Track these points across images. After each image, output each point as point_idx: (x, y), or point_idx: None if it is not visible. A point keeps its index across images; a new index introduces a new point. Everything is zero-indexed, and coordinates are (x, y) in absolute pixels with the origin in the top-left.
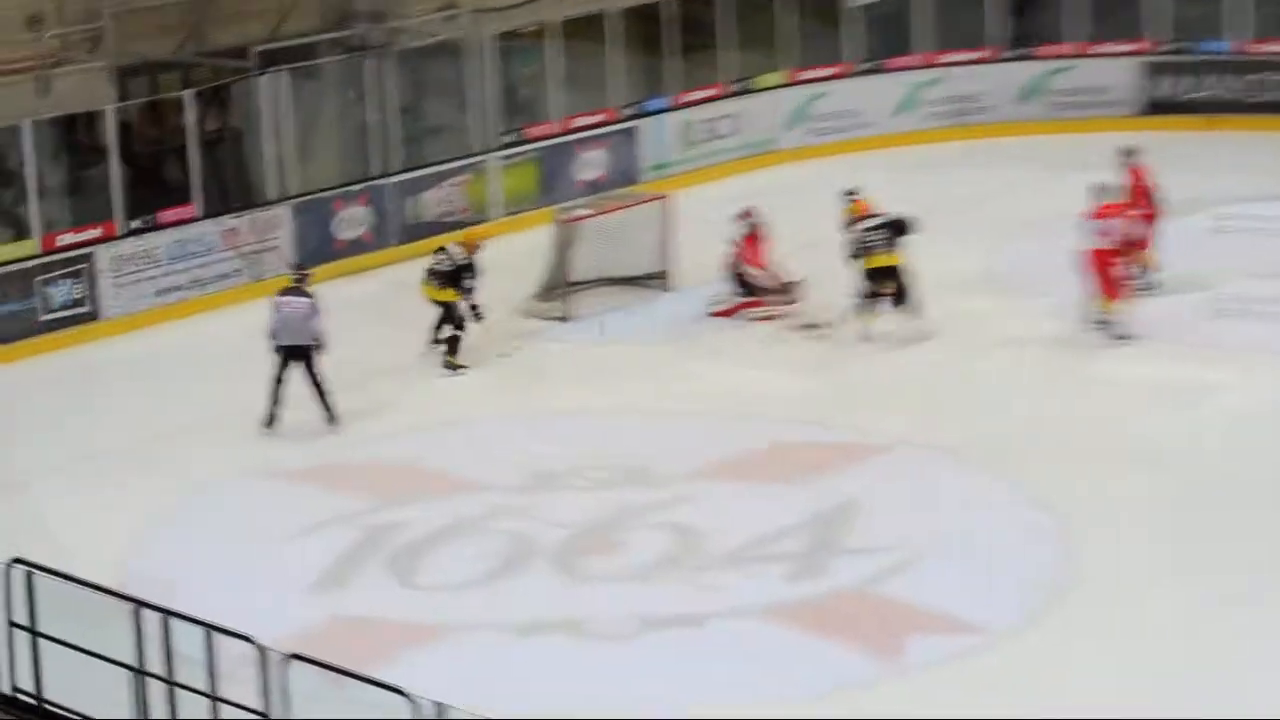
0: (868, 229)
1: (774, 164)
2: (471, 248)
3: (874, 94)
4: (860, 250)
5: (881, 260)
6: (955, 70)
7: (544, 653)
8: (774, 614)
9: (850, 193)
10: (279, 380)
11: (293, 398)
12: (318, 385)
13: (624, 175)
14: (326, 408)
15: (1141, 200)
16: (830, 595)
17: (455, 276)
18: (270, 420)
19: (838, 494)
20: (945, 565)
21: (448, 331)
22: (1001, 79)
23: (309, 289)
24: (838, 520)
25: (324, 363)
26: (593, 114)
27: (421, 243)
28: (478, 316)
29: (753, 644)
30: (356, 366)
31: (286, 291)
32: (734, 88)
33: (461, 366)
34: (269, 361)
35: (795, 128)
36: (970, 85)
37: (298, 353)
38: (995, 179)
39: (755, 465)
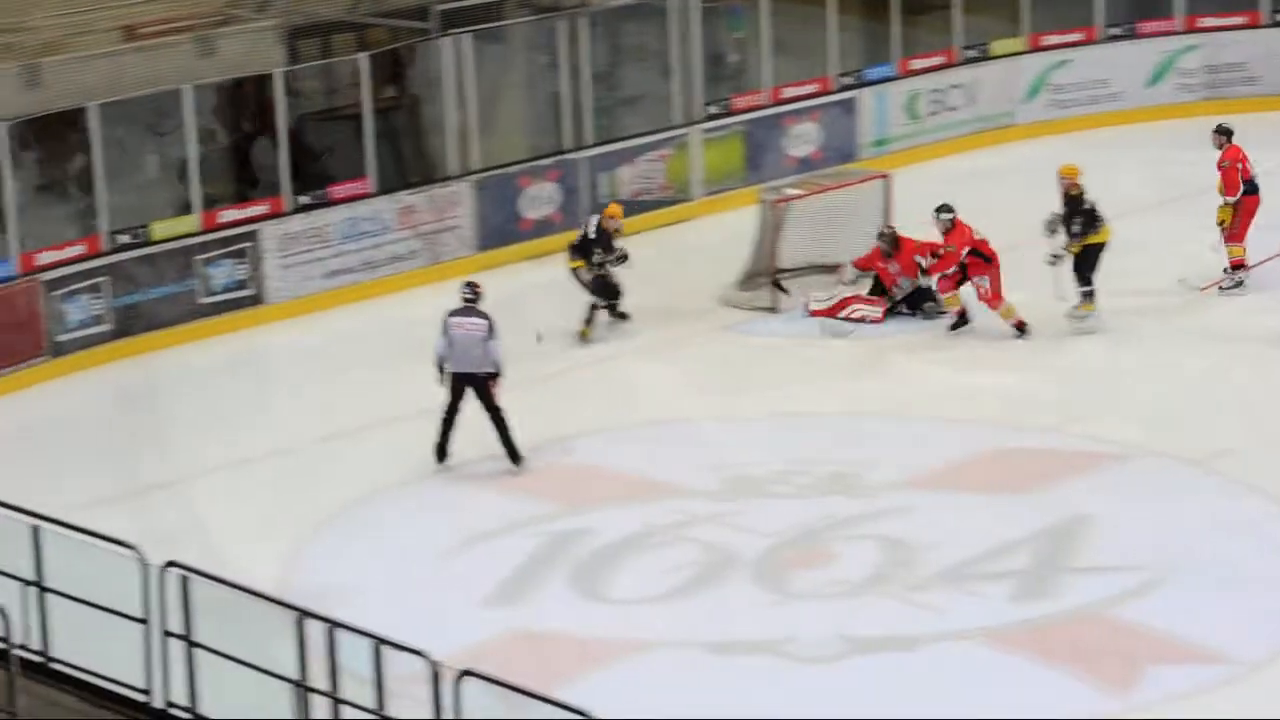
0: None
1: (1009, 140)
2: (609, 221)
3: (1124, 62)
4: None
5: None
6: (1217, 36)
7: (740, 675)
8: (995, 637)
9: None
10: (452, 411)
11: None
12: (497, 419)
13: (840, 151)
14: (508, 446)
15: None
16: (1058, 618)
17: (585, 249)
18: (441, 455)
19: (1067, 507)
20: (1188, 589)
21: (597, 302)
22: (1268, 46)
23: (483, 308)
24: (1067, 536)
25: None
26: (806, 83)
27: None
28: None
29: (971, 670)
30: (541, 359)
31: (458, 311)
32: (966, 54)
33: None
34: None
35: (1034, 100)
36: (1233, 53)
37: (472, 381)
38: (1261, 160)
39: (975, 474)
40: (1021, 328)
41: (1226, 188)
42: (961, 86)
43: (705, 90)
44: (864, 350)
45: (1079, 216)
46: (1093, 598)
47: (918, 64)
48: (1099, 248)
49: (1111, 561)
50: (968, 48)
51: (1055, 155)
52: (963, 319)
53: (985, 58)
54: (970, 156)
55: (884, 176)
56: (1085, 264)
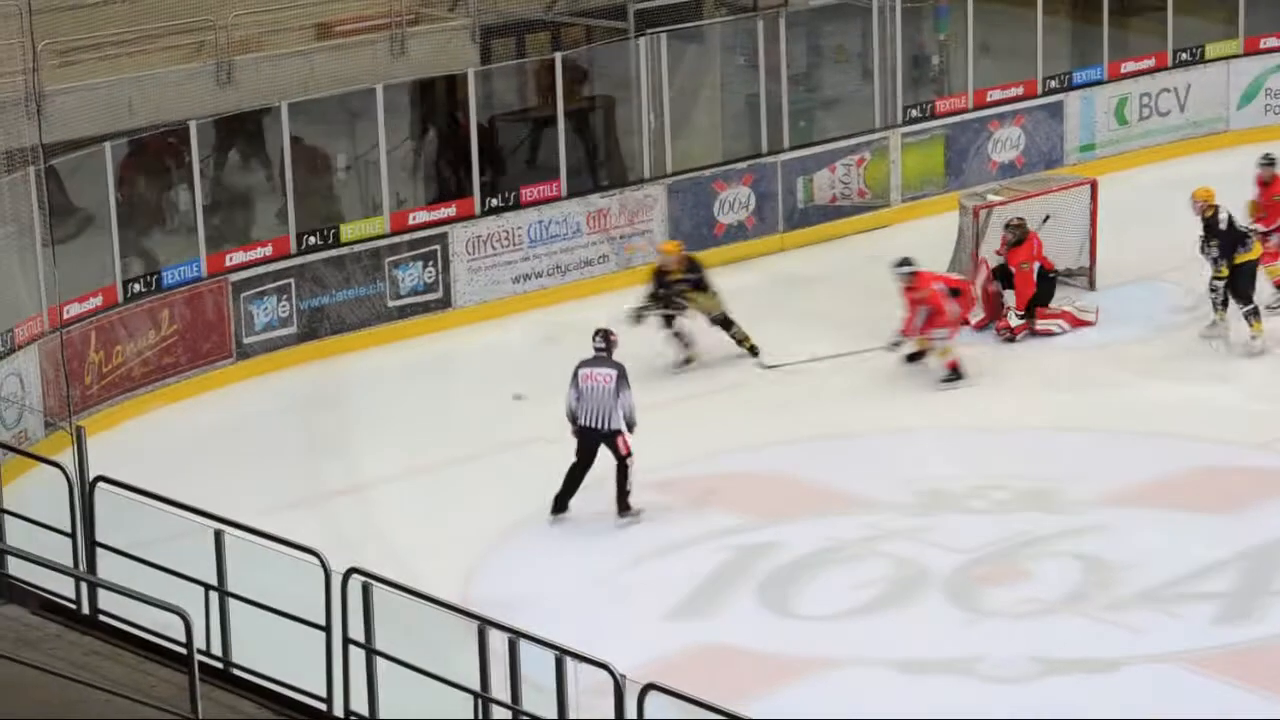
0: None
1: (1223, 147)
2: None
3: None
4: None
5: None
6: None
7: (930, 694)
8: (1199, 661)
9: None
10: (579, 468)
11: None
12: (620, 471)
13: (1045, 157)
14: (620, 498)
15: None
16: (1266, 643)
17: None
18: (559, 507)
19: (1275, 527)
20: None
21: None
22: None
23: (615, 357)
24: (1275, 557)
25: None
26: (1011, 86)
27: (811, 229)
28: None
29: (1169, 694)
30: (732, 367)
31: (588, 362)
32: (1179, 57)
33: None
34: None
35: (1249, 105)
36: None
37: (600, 437)
38: None
39: (1179, 491)
40: (955, 369)
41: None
42: (1173, 91)
43: (906, 93)
44: (1066, 361)
45: (1215, 239)
46: None
47: (1128, 67)
48: (1250, 265)
49: None
50: (1180, 50)
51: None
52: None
53: (1199, 60)
54: (1181, 163)
55: (1090, 183)
56: (1239, 284)
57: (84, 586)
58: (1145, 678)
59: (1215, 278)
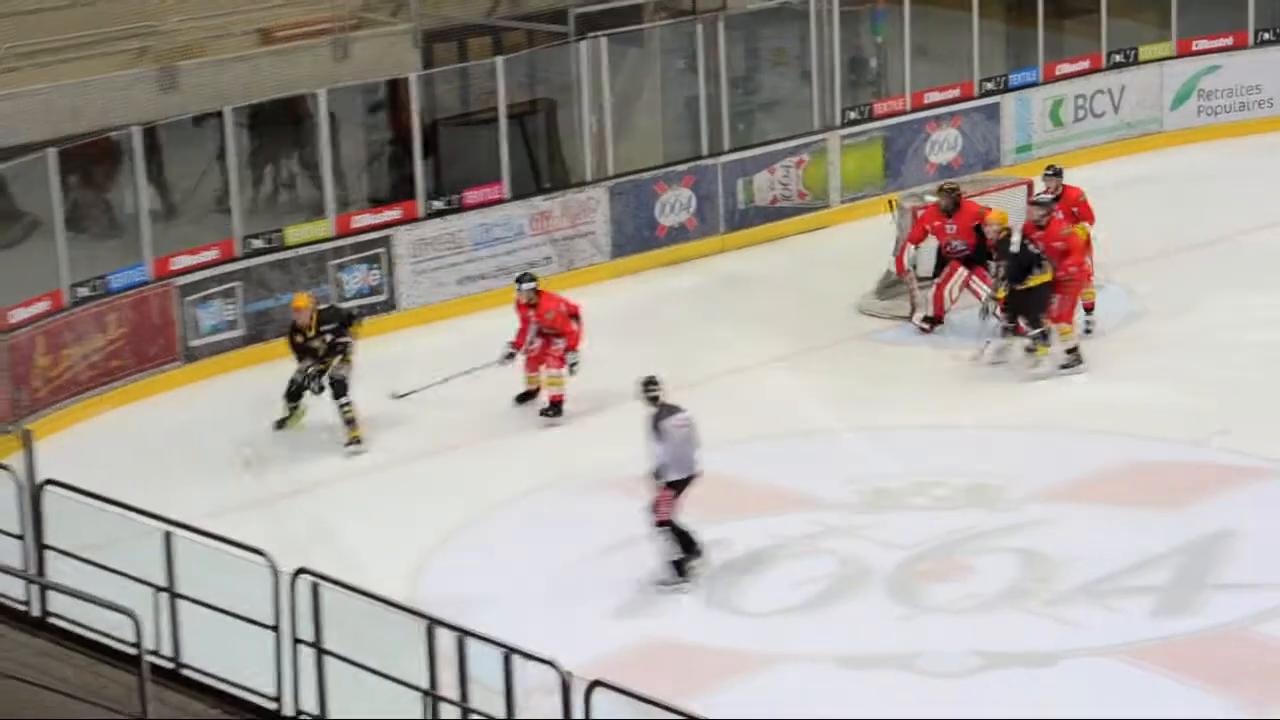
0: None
1: (1156, 148)
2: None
3: (1277, 68)
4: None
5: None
6: None
7: (873, 689)
8: (1136, 654)
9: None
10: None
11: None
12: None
13: (982, 158)
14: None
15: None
16: (1202, 636)
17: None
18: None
19: (1211, 522)
20: None
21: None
22: None
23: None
24: (1210, 552)
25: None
26: (948, 88)
27: (752, 230)
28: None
29: (1108, 687)
30: (676, 367)
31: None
32: (1113, 59)
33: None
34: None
35: (1183, 106)
36: None
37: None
38: None
39: (1117, 487)
40: (559, 405)
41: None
42: (1107, 92)
43: (844, 95)
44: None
45: (1004, 260)
46: (1236, 616)
47: (1063, 69)
48: (1043, 288)
49: (1255, 579)
50: (1114, 52)
51: (1204, 164)
52: None
53: (1133, 63)
54: (1115, 164)
55: (1026, 183)
56: (1031, 305)
57: (33, 589)
58: (1084, 671)
59: (992, 298)
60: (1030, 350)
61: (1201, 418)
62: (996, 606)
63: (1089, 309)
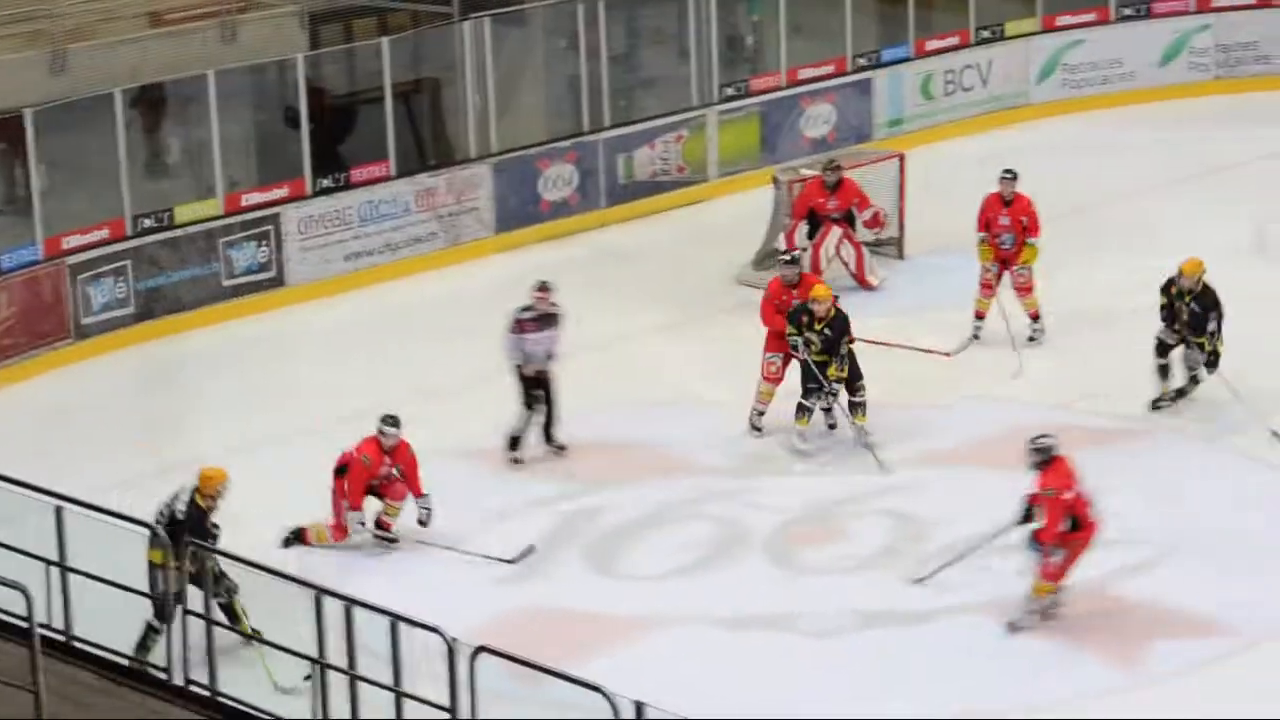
0: None
1: (1023, 120)
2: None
3: (1137, 42)
4: None
5: None
6: (1229, 16)
7: (752, 649)
8: (1005, 611)
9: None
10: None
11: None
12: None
13: (855, 132)
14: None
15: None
16: (1065, 593)
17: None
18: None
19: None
20: (1195, 564)
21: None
22: None
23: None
24: None
25: None
26: (822, 64)
27: (633, 204)
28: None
29: (978, 644)
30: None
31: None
32: (981, 35)
33: None
34: (483, 344)
35: (1048, 80)
36: (1245, 32)
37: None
38: (1271, 138)
39: (988, 450)
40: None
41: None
42: (976, 67)
43: (722, 72)
44: (882, 326)
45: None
46: (1100, 572)
47: (933, 45)
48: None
49: (1119, 537)
50: (982, 28)
51: (1068, 135)
52: None
53: (1000, 38)
54: (984, 137)
55: (898, 156)
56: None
57: None
58: (955, 628)
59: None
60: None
61: (1070, 382)
62: (871, 567)
63: (1035, 318)
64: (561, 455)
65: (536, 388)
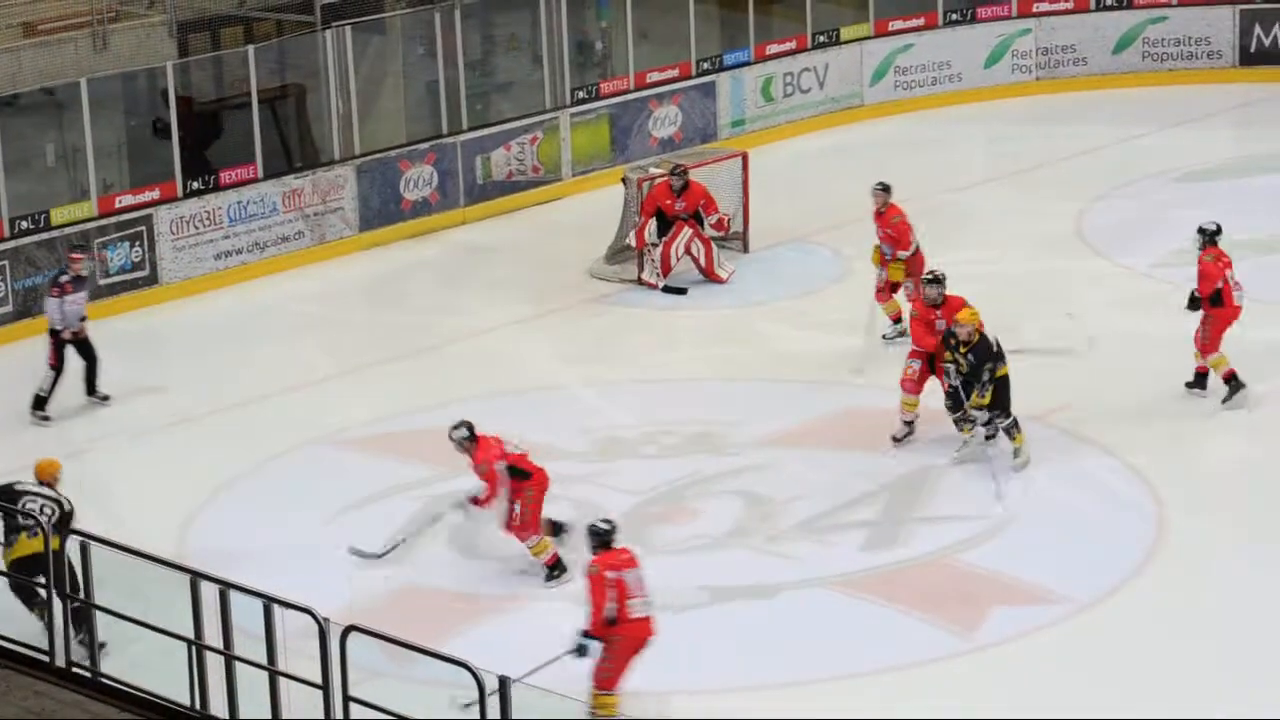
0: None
1: (858, 120)
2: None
3: (964, 45)
4: None
5: None
6: (1049, 20)
7: None
8: (848, 584)
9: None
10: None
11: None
12: None
13: (701, 132)
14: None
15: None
16: (907, 565)
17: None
18: None
19: (914, 461)
20: (1028, 536)
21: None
22: (1096, 29)
23: None
24: (916, 488)
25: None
26: (668, 68)
27: (491, 203)
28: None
29: (825, 615)
30: (423, 332)
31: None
32: (818, 40)
33: None
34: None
35: (881, 82)
36: (1064, 36)
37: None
38: (1088, 134)
39: (829, 431)
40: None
41: (900, 243)
42: (813, 70)
43: (573, 76)
44: (730, 316)
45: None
46: (938, 545)
47: (772, 49)
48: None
49: (956, 511)
50: (819, 33)
51: (901, 133)
52: None
53: (835, 43)
54: (821, 135)
55: (741, 155)
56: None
57: None
58: (802, 600)
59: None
60: (1010, 437)
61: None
62: (722, 545)
63: (896, 320)
64: (106, 404)
65: (77, 348)
